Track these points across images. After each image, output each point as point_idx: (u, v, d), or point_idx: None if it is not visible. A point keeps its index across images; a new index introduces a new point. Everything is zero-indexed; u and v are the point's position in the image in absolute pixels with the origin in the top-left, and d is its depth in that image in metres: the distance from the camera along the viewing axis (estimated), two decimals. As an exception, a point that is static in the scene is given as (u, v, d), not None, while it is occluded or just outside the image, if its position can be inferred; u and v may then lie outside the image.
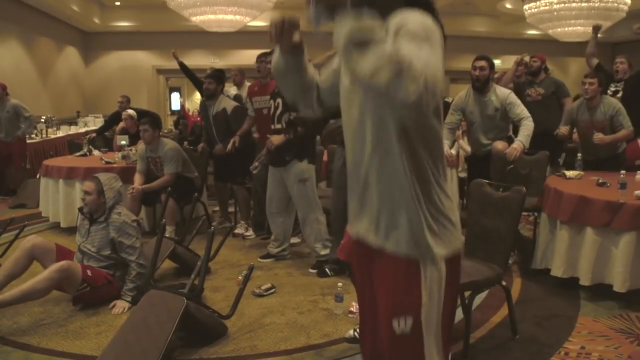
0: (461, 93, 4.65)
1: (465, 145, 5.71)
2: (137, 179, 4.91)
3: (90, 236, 3.44)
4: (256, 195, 5.11)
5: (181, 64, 6.46)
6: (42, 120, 8.94)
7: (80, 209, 3.57)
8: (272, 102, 4.22)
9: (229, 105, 5.15)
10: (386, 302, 1.58)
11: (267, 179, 4.34)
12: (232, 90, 6.28)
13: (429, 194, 1.51)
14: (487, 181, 3.21)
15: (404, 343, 1.56)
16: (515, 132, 4.65)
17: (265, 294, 3.63)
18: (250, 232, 5.14)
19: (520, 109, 4.37)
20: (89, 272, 3.29)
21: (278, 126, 4.12)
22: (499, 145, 4.38)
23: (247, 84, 5.86)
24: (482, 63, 4.42)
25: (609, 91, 5.29)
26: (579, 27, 8.85)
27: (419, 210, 1.50)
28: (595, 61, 5.54)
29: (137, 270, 3.41)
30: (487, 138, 4.54)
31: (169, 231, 4.74)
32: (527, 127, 4.27)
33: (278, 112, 4.14)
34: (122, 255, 3.41)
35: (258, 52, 4.90)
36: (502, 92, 4.45)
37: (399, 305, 1.54)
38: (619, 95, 5.39)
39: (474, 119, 4.54)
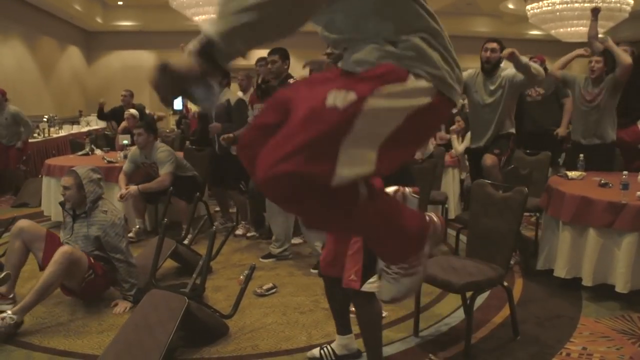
0: (470, 70, 4.55)
1: (457, 145, 5.71)
2: (122, 179, 4.92)
3: (74, 233, 3.39)
4: (252, 193, 5.10)
5: None
6: (45, 119, 8.95)
7: (62, 205, 3.50)
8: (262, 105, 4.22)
9: (233, 97, 5.16)
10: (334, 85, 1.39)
11: None
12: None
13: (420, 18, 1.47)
14: (489, 182, 3.21)
15: (321, 121, 1.31)
16: (518, 130, 4.64)
17: (266, 293, 3.63)
18: (251, 233, 5.14)
19: (521, 76, 4.24)
20: (92, 259, 3.28)
21: None
22: (488, 160, 4.31)
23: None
24: (494, 45, 4.34)
25: None
26: (581, 28, 8.85)
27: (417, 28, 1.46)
28: (599, 45, 5.30)
29: (126, 269, 3.36)
30: (489, 124, 4.40)
31: (185, 229, 4.77)
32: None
33: None
34: (109, 254, 3.36)
35: (259, 52, 4.91)
36: (507, 71, 4.35)
37: (351, 83, 1.37)
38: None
39: (477, 99, 4.42)
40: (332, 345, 2.78)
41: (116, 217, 3.40)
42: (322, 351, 2.75)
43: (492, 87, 4.36)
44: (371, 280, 2.35)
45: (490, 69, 4.35)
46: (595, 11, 5.40)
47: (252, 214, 5.28)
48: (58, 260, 3.06)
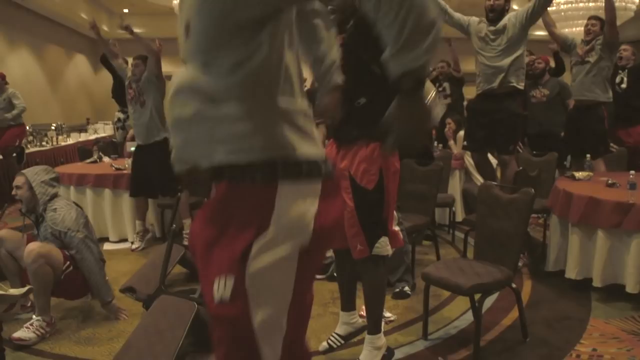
0: (475, 19, 4.49)
1: (454, 147, 5.72)
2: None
3: (40, 239, 3.30)
4: None
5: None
6: (53, 127, 9.01)
7: (21, 211, 3.42)
8: None
9: None
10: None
11: None
12: None
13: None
14: (495, 183, 3.21)
15: (223, 324, 1.24)
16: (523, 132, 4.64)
17: (275, 298, 3.63)
18: None
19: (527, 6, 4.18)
20: (66, 252, 3.22)
21: None
22: (505, 157, 4.37)
23: None
24: None
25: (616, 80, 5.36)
26: (586, 28, 8.82)
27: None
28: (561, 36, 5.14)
29: (85, 266, 3.21)
30: (499, 62, 4.25)
31: (187, 225, 4.74)
32: None
33: None
34: (69, 252, 3.25)
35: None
36: (510, 13, 4.26)
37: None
38: (624, 85, 5.39)
39: (482, 45, 4.34)
40: (336, 330, 2.84)
41: (67, 212, 3.26)
42: (329, 341, 2.82)
43: (493, 28, 4.26)
44: (378, 244, 2.46)
45: (495, 17, 4.25)
46: None
47: None
48: (29, 261, 3.00)
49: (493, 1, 4.24)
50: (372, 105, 2.40)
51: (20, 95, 7.35)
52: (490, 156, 4.83)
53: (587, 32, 4.69)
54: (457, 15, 4.52)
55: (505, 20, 4.23)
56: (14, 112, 7.28)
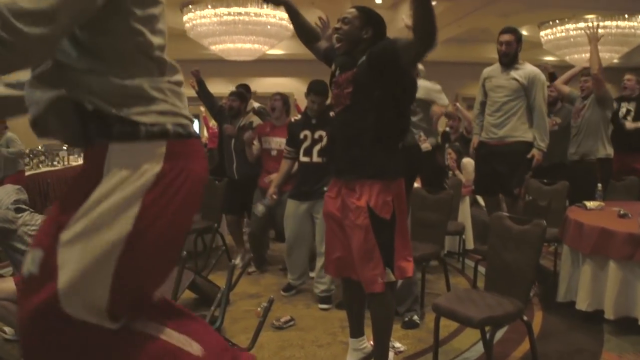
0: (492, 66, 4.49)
1: (460, 175, 5.73)
2: None
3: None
4: (253, 235, 4.89)
5: (200, 83, 5.98)
6: (65, 147, 9.09)
7: None
8: (309, 132, 4.07)
9: (257, 120, 5.08)
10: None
11: (275, 217, 4.35)
12: (255, 103, 6.14)
13: None
14: (507, 214, 3.20)
15: (30, 298, 1.18)
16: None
17: (284, 326, 3.62)
18: (252, 269, 4.97)
19: (539, 96, 4.16)
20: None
21: (317, 160, 4.06)
22: (509, 200, 4.43)
23: None
24: (507, 37, 4.20)
25: (621, 111, 5.35)
26: (596, 54, 8.84)
27: None
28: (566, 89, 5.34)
29: None
30: (503, 118, 4.26)
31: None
32: (540, 125, 4.19)
33: (319, 145, 4.04)
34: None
35: (276, 79, 4.94)
36: (530, 68, 4.25)
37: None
38: (631, 115, 5.38)
39: (494, 93, 4.33)
40: (348, 358, 2.85)
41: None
42: None
43: (509, 77, 4.24)
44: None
45: (508, 61, 4.25)
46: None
47: (253, 253, 4.97)
48: None
49: (505, 47, 4.22)
50: (380, 145, 2.53)
51: (17, 140, 6.86)
52: None
53: (581, 89, 4.88)
54: (480, 96, 4.55)
55: (523, 80, 4.19)
56: (11, 150, 6.71)
